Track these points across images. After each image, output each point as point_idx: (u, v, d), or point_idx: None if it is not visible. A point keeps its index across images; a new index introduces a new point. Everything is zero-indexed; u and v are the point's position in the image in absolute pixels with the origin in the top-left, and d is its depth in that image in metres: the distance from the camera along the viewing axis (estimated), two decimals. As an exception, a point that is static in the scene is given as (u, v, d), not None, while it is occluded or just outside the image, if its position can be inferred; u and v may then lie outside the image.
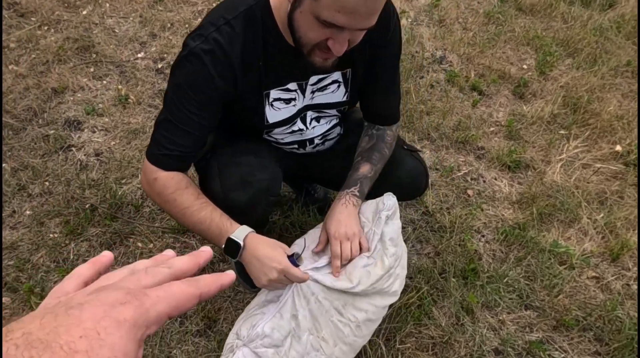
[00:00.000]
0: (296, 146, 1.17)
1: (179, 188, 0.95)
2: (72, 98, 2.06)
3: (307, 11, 0.81)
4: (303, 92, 1.05)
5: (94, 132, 1.91)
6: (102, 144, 1.85)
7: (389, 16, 1.01)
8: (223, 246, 0.94)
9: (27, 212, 1.58)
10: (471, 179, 1.78)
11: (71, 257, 1.44)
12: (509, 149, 1.86)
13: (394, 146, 1.19)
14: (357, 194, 1.10)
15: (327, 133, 1.18)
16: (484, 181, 1.78)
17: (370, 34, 0.98)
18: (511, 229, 1.57)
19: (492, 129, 2.01)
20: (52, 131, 1.89)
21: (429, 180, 1.27)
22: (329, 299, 1.01)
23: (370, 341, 1.22)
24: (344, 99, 1.11)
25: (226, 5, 0.93)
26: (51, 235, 1.50)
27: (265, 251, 0.93)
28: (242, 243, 0.92)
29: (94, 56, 2.32)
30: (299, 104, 1.07)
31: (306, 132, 1.13)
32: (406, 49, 2.42)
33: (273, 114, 1.05)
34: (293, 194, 1.61)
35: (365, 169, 1.12)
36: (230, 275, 0.33)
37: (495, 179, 1.79)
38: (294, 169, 1.24)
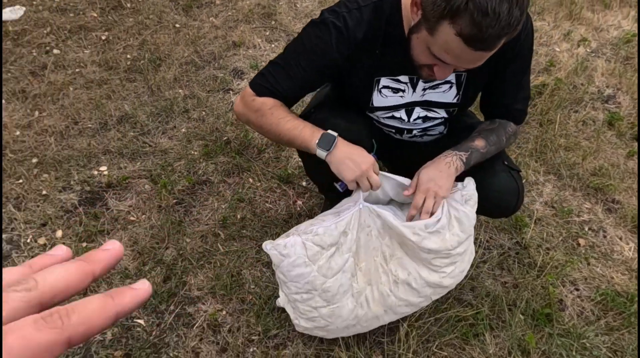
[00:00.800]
0: (394, 130, 1.23)
1: (276, 105, 1.06)
2: (244, 52, 2.44)
3: (422, 40, 0.89)
4: (414, 86, 1.10)
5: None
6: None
7: (522, 26, 1.00)
8: (316, 142, 1.01)
9: (183, 130, 1.96)
10: (589, 229, 1.60)
11: (199, 172, 1.76)
12: (651, 213, 1.61)
13: (511, 140, 1.18)
14: (464, 160, 1.09)
15: (429, 128, 1.22)
16: (604, 236, 1.57)
17: None
18: (615, 295, 1.38)
19: (640, 186, 1.74)
20: (221, 74, 2.27)
21: (520, 202, 1.21)
22: (380, 239, 1.08)
23: (407, 332, 1.25)
24: (454, 101, 1.13)
25: None
26: (192, 152, 1.85)
27: (356, 150, 1.02)
28: (336, 135, 1.01)
29: (273, 22, 2.68)
30: (408, 97, 1.12)
31: (406, 124, 1.18)
32: (570, 78, 2.22)
33: (379, 100, 1.13)
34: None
35: (480, 143, 1.11)
36: (146, 288, 0.26)
37: (620, 239, 1.57)
38: (381, 148, 1.30)
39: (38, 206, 1.61)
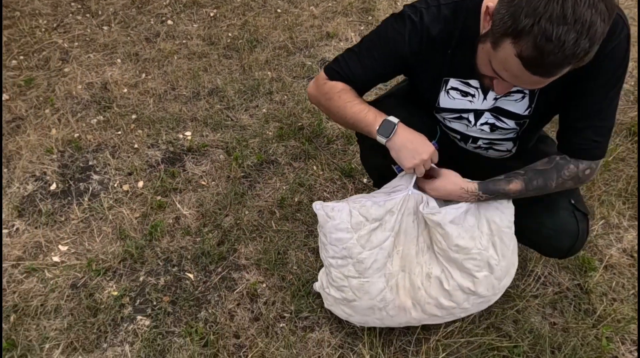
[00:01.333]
0: (459, 137, 1.19)
1: (344, 89, 1.09)
2: (335, 44, 2.49)
3: (486, 51, 0.86)
4: (485, 93, 1.06)
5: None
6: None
7: (611, 32, 0.86)
8: (377, 128, 1.03)
9: (264, 110, 2.07)
10: (670, 289, 1.42)
11: (270, 151, 1.86)
12: None
13: (568, 185, 1.05)
14: (481, 199, 1.07)
15: (496, 141, 1.16)
16: (687, 301, 1.39)
17: None
18: (683, 367, 1.23)
19: None
20: (309, 62, 2.35)
21: (578, 248, 1.11)
22: (421, 229, 1.10)
23: (435, 347, 1.22)
24: (526, 113, 1.06)
25: None
26: (267, 132, 1.95)
27: (417, 137, 1.04)
28: (396, 125, 1.03)
29: (370, 17, 2.69)
30: (477, 103, 1.08)
31: (472, 129, 1.14)
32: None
33: (446, 101, 1.10)
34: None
35: (515, 187, 1.05)
36: None
37: None
38: (444, 153, 1.27)
39: (129, 156, 1.82)
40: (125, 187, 1.70)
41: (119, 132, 1.93)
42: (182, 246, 1.50)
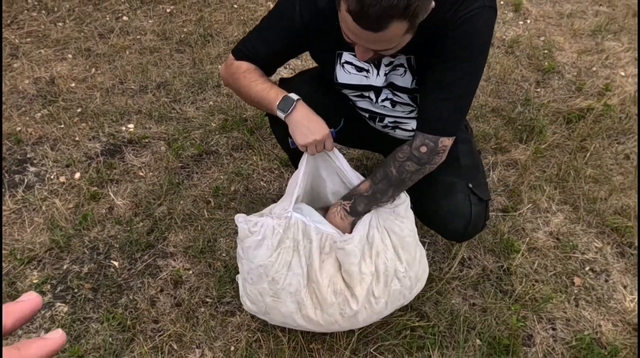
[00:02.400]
0: (367, 115, 1.21)
1: (249, 69, 1.10)
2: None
3: (339, 18, 0.87)
4: (377, 68, 1.07)
5: (285, 68, 2.30)
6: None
7: (469, 8, 0.88)
8: (277, 104, 1.04)
9: (210, 103, 2.08)
10: (591, 270, 1.45)
11: (211, 142, 1.86)
12: (672, 267, 1.41)
13: (407, 167, 1.02)
14: (348, 209, 1.10)
15: (400, 121, 1.18)
16: (606, 281, 1.42)
17: (440, 20, 0.90)
18: (596, 346, 1.25)
19: (671, 236, 1.54)
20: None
21: (471, 232, 1.14)
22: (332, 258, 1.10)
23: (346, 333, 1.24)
24: (412, 86, 1.07)
25: None
26: (211, 124, 1.96)
27: (315, 117, 1.04)
28: (295, 102, 1.03)
29: None
30: (373, 78, 1.09)
31: (376, 105, 1.15)
32: (624, 106, 2.00)
33: (343, 75, 1.11)
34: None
35: (364, 186, 1.09)
36: (59, 337, 0.27)
37: (625, 287, 1.40)
38: (356, 133, 1.28)
39: (68, 149, 1.82)
40: (62, 179, 1.70)
41: (62, 126, 1.93)
42: (112, 236, 1.50)
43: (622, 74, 2.21)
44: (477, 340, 1.25)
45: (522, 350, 1.24)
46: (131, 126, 1.94)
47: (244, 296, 1.17)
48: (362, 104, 1.18)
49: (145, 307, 1.30)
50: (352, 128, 1.22)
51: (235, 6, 2.79)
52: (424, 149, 1.00)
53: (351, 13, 0.79)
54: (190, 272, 1.41)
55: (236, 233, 1.52)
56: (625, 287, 1.40)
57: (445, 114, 0.97)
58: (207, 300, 1.34)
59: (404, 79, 1.07)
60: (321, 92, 1.17)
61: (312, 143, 1.04)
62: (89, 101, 2.06)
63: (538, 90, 2.15)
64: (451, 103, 0.97)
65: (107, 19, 2.65)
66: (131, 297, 1.33)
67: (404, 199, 1.08)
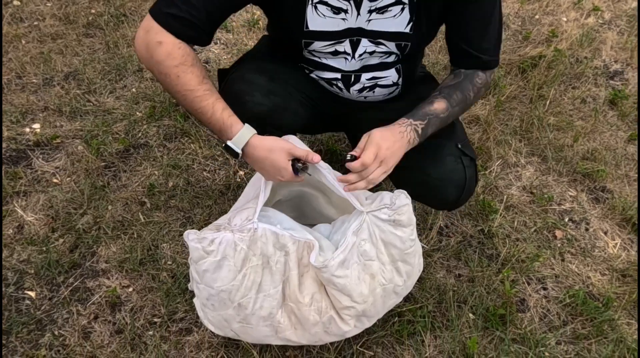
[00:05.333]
0: (340, 83, 1.02)
1: (184, 63, 0.82)
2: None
3: None
4: (358, 6, 0.88)
5: (216, 44, 2.04)
6: (217, 56, 1.97)
7: None
8: (222, 146, 0.87)
9: (133, 90, 1.79)
10: (570, 220, 1.37)
11: (139, 134, 1.59)
12: (647, 206, 1.37)
13: (481, 93, 0.99)
14: (419, 132, 0.90)
15: (379, 75, 1.00)
16: (587, 229, 1.35)
17: None
18: (588, 298, 1.17)
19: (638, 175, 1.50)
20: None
21: (465, 197, 1.00)
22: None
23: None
24: (407, 30, 0.91)
25: None
26: (137, 113, 1.68)
27: (269, 160, 0.84)
28: (240, 153, 0.84)
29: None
30: (351, 20, 0.90)
31: (352, 62, 0.97)
32: (573, 50, 1.96)
33: (315, 20, 0.90)
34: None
35: (440, 106, 0.92)
36: None
37: (605, 233, 1.34)
38: (327, 119, 1.11)
39: (-44, 162, 1.48)
40: (-49, 199, 1.37)
41: (-55, 135, 1.57)
42: (23, 260, 1.22)
43: (565, 19, 2.17)
44: (470, 315, 1.13)
45: (517, 317, 1.13)
46: (37, 126, 1.62)
47: (204, 320, 0.96)
48: (334, 62, 0.98)
49: (76, 342, 1.05)
50: (319, 111, 1.05)
51: (149, -19, 2.46)
52: (492, 77, 1.01)
53: None
54: (130, 289, 1.17)
55: (181, 235, 1.29)
56: (605, 233, 1.34)
57: (499, 47, 0.97)
58: (155, 320, 1.11)
59: (397, 21, 0.90)
60: (272, 77, 0.97)
61: (282, 179, 0.86)
62: (-21, 102, 1.70)
63: (486, 43, 2.06)
64: (500, 34, 0.96)
65: (-7, 5, 2.23)
66: (56, 333, 1.07)
67: (406, 201, 0.89)
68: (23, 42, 2.01)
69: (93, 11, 2.21)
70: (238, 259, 0.85)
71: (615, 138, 1.61)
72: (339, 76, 1.01)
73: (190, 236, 0.86)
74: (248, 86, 0.94)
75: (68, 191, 1.39)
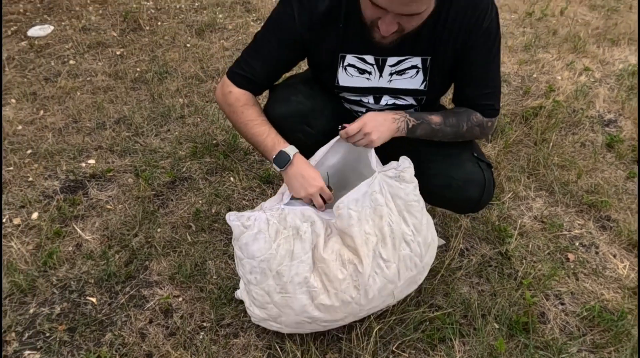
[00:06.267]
0: (364, 110, 1.21)
1: (248, 104, 1.10)
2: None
3: None
4: (380, 70, 1.10)
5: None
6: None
7: (484, 11, 1.01)
8: (273, 157, 1.06)
9: (176, 133, 2.00)
10: (580, 244, 1.49)
11: (183, 169, 1.77)
12: (650, 233, 1.49)
13: (476, 132, 1.14)
14: (409, 126, 1.08)
15: None
16: (597, 253, 1.46)
17: (461, 27, 1.01)
18: (604, 311, 1.26)
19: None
20: (221, 87, 2.34)
21: (487, 197, 1.15)
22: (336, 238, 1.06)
23: (367, 329, 1.16)
24: (422, 87, 1.12)
25: None
26: (180, 152, 1.87)
27: (309, 171, 1.06)
28: (291, 157, 1.05)
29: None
30: (374, 80, 1.12)
31: (375, 107, 1.17)
32: (569, 102, 2.18)
33: (345, 78, 1.12)
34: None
35: (435, 119, 1.10)
36: None
37: (614, 256, 1.45)
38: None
39: (21, 190, 1.64)
40: (16, 221, 1.51)
41: (11, 168, 1.75)
42: (84, 272, 1.33)
43: (560, 77, 2.43)
44: (495, 324, 1.21)
45: (539, 327, 1.22)
46: (92, 161, 1.80)
47: (251, 305, 1.07)
48: (359, 108, 1.20)
49: (134, 341, 1.14)
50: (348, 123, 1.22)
51: (189, 45, 2.79)
52: (489, 124, 1.15)
53: None
54: (181, 299, 1.27)
55: (225, 253, 1.42)
56: (614, 256, 1.45)
57: (497, 100, 1.13)
58: (205, 324, 1.20)
59: (414, 81, 1.10)
60: (310, 93, 1.17)
61: (305, 196, 1.05)
62: (40, 141, 1.91)
63: (491, 97, 2.30)
64: (497, 90, 1.13)
65: (52, 64, 2.53)
66: (116, 333, 1.16)
67: (408, 165, 1.06)
68: (78, 93, 2.26)
69: (139, 69, 2.50)
70: (272, 232, 1.00)
71: (615, 176, 1.77)
72: (364, 109, 1.21)
73: (231, 216, 1.03)
74: (294, 89, 1.14)
75: (121, 216, 1.54)
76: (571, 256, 1.44)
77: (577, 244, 1.49)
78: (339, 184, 1.18)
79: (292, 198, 1.08)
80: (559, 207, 1.63)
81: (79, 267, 1.35)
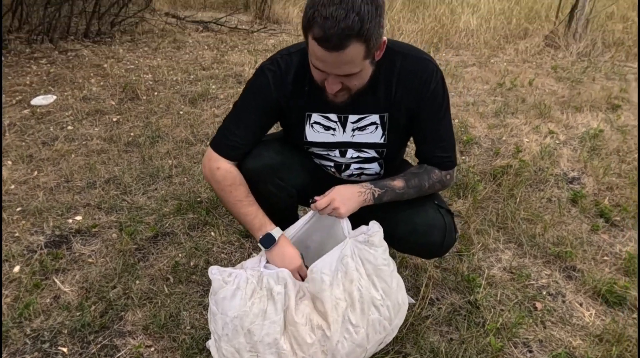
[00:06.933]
0: (333, 169, 1.32)
1: (235, 183, 1.18)
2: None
3: (309, 55, 1.05)
4: (343, 126, 1.23)
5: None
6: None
7: (430, 75, 1.15)
8: (260, 237, 1.16)
9: (162, 192, 2.09)
10: (547, 293, 1.53)
11: (166, 225, 1.84)
12: (614, 282, 1.54)
13: (437, 187, 1.24)
14: (375, 196, 1.18)
15: (364, 167, 1.30)
16: (563, 302, 1.50)
17: (412, 88, 1.16)
18: (571, 358, 1.28)
19: (604, 258, 1.70)
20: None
21: (450, 241, 1.22)
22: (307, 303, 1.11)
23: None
24: (382, 141, 1.24)
25: (298, 43, 1.24)
26: (165, 209, 1.95)
27: (290, 251, 1.17)
28: (277, 240, 1.16)
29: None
30: (339, 136, 1.24)
31: (342, 160, 1.29)
32: (535, 161, 2.32)
33: (312, 134, 1.25)
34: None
35: (398, 184, 1.20)
36: None
37: (580, 305, 1.49)
38: (323, 188, 1.38)
39: (6, 245, 1.69)
40: (-2, 274, 1.55)
41: (-1, 224, 1.81)
42: (59, 322, 1.35)
43: (526, 140, 2.60)
44: (463, 372, 1.22)
45: (507, 374, 1.23)
46: (79, 217, 1.87)
47: None
48: (326, 162, 1.31)
49: (101, 390, 1.14)
50: (316, 185, 1.31)
51: (181, 112, 2.98)
52: (448, 177, 1.25)
53: (316, 39, 0.95)
54: (152, 349, 1.28)
55: (200, 304, 1.44)
56: (580, 304, 1.49)
57: (450, 154, 1.24)
58: (174, 374, 1.20)
59: (374, 135, 1.23)
60: (289, 151, 1.28)
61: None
62: (30, 199, 1.99)
63: (463, 157, 2.45)
64: (448, 146, 1.24)
65: (51, 129, 2.69)
66: (84, 382, 1.16)
67: (377, 229, 1.14)
68: (73, 156, 2.39)
69: (133, 134, 2.66)
70: (248, 290, 1.06)
71: (579, 229, 1.85)
72: (332, 164, 1.32)
73: (214, 270, 1.08)
74: (266, 146, 1.24)
75: (102, 268, 1.58)
76: (539, 305, 1.48)
77: (544, 293, 1.53)
78: (316, 249, 1.26)
79: None
80: (527, 258, 1.69)
81: (54, 318, 1.37)
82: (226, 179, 1.18)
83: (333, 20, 0.91)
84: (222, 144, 1.20)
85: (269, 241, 1.16)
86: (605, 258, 1.71)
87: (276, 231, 1.17)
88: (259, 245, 1.17)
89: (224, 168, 1.19)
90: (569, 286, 1.56)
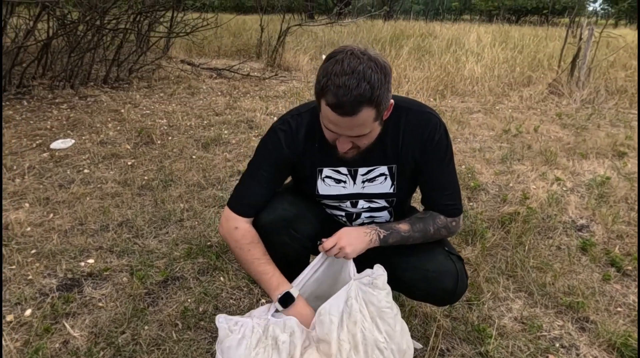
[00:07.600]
0: (344, 218, 1.35)
1: (253, 241, 1.23)
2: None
3: (321, 117, 1.11)
4: (354, 179, 1.28)
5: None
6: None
7: (434, 128, 1.21)
8: (278, 296, 1.17)
9: (173, 235, 2.13)
10: (561, 346, 1.50)
11: (176, 269, 1.86)
12: (629, 335, 1.51)
13: (443, 232, 1.26)
14: (381, 237, 1.20)
15: (375, 214, 1.33)
16: (577, 355, 1.47)
17: (417, 140, 1.21)
18: (588, 416, 1.24)
19: (617, 309, 1.68)
20: (220, 194, 2.53)
21: (462, 287, 1.22)
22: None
23: None
24: (391, 191, 1.28)
25: (306, 103, 1.31)
26: (175, 253, 1.98)
27: (306, 311, 1.18)
28: (295, 298, 1.18)
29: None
30: (350, 188, 1.29)
31: (353, 210, 1.32)
32: (543, 209, 2.33)
33: (324, 188, 1.30)
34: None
35: (404, 227, 1.22)
36: None
37: (595, 358, 1.46)
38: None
39: (19, 288, 1.71)
40: (9, 317, 1.56)
41: (13, 267, 1.84)
42: (67, 369, 1.35)
43: (534, 187, 2.62)
44: None
45: None
46: (91, 260, 1.90)
47: None
48: (338, 211, 1.35)
49: None
50: (328, 234, 1.33)
51: (194, 157, 3.07)
52: (454, 223, 1.28)
53: (330, 106, 1.01)
54: (159, 398, 1.27)
55: (208, 351, 1.44)
56: (595, 358, 1.46)
57: (455, 202, 1.27)
58: None
59: (383, 186, 1.28)
60: (301, 201, 1.32)
61: None
62: (45, 242, 2.03)
63: (471, 204, 2.47)
64: (454, 195, 1.27)
65: (68, 172, 2.78)
66: None
67: (382, 272, 1.16)
68: (87, 198, 2.45)
69: (146, 177, 2.74)
70: (254, 339, 1.07)
71: (591, 278, 1.83)
72: (343, 213, 1.35)
73: (221, 318, 1.10)
74: (279, 199, 1.28)
75: (111, 313, 1.59)
76: (552, 357, 1.45)
77: (557, 345, 1.50)
78: (327, 299, 1.27)
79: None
80: (538, 308, 1.67)
81: (62, 364, 1.37)
82: (245, 238, 1.22)
83: (346, 89, 0.98)
84: (239, 203, 1.25)
85: (287, 301, 1.17)
86: (619, 308, 1.68)
87: (294, 291, 1.19)
88: (275, 304, 1.17)
89: (242, 228, 1.23)
90: (582, 339, 1.53)
